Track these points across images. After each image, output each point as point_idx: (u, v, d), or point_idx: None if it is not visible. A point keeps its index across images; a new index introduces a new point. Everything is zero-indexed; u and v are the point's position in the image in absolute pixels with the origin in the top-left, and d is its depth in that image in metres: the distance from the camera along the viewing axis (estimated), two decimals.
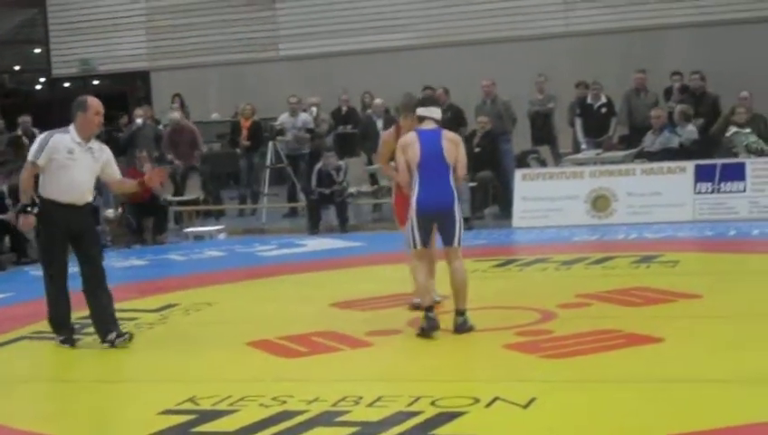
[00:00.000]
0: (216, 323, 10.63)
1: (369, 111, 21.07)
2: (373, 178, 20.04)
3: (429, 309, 9.33)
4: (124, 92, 29.37)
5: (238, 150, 21.57)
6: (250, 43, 27.54)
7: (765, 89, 19.67)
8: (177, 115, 20.83)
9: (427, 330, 9.23)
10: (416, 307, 9.91)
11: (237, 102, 23.40)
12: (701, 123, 18.20)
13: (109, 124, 22.12)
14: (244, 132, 21.23)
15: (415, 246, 9.47)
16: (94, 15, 28.88)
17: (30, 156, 9.42)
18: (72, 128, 9.47)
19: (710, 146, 17.87)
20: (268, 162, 20.69)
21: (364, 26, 26.55)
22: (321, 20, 26.87)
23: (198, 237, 18.06)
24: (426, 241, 9.49)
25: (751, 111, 17.71)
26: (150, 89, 28.80)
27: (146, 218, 17.88)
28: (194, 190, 20.31)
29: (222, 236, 18.18)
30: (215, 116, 26.30)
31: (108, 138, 20.46)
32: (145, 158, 17.96)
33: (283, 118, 20.83)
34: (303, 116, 20.80)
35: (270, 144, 20.60)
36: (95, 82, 30.11)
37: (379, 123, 20.24)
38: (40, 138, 9.53)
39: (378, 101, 20.58)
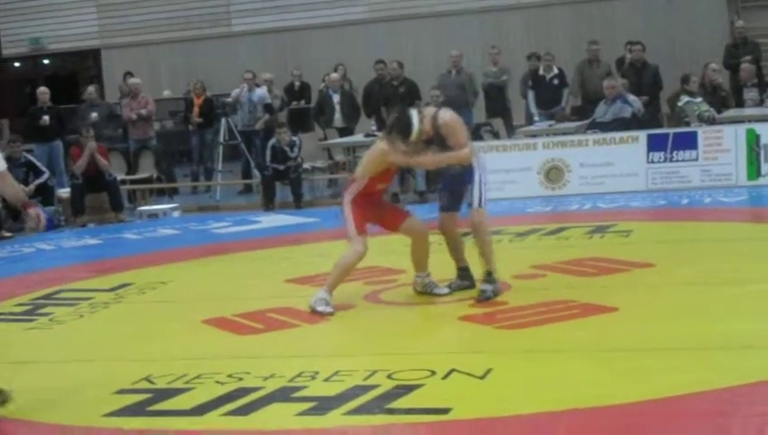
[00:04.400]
0: (171, 301, 10.58)
1: (323, 84, 21.02)
2: (328, 153, 20.01)
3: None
4: (75, 72, 29.14)
5: (191, 127, 21.46)
6: (202, 19, 27.36)
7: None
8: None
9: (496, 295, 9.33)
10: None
11: (190, 79, 23.29)
12: (645, 99, 18.31)
13: (61, 103, 22.04)
14: (196, 109, 21.13)
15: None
16: None
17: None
18: None
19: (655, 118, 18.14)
20: (221, 139, 20.63)
21: (317, 0, 26.44)
22: None
23: (152, 216, 17.97)
24: None
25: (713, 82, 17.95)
26: (101, 67, 28.57)
27: (94, 195, 17.79)
28: (147, 168, 20.20)
29: (176, 214, 18.09)
30: (167, 93, 26.16)
31: (60, 116, 20.43)
32: (90, 137, 17.80)
33: (237, 93, 20.71)
34: (259, 91, 20.71)
35: (223, 120, 20.53)
36: (45, 62, 29.87)
37: (336, 98, 20.22)
38: None
39: (334, 75, 20.53)
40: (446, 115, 9.33)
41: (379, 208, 9.77)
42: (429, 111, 9.51)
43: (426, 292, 9.80)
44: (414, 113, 9.19)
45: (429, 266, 9.84)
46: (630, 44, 19.65)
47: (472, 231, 9.59)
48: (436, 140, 9.32)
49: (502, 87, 20.22)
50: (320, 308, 9.29)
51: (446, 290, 9.79)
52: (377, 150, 9.52)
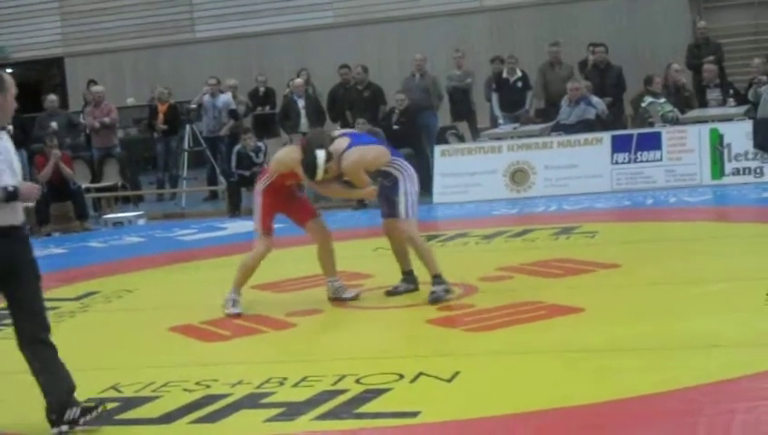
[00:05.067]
0: (138, 309, 10.55)
1: (287, 90, 20.99)
2: None
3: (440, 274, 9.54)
4: (39, 80, 28.99)
5: (155, 135, 21.38)
6: (166, 25, 27.28)
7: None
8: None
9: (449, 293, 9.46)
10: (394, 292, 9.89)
11: (154, 86, 23.21)
12: (609, 101, 18.40)
13: (25, 112, 21.91)
14: (161, 116, 21.06)
15: (415, 216, 9.67)
16: (6, 2, 28.41)
17: None
18: None
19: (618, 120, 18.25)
20: (186, 146, 20.57)
21: (282, 6, 26.36)
22: (237, 0, 26.64)
23: (117, 224, 17.91)
24: None
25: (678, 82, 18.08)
26: (65, 75, 28.43)
27: (59, 204, 17.71)
28: (111, 176, 20.12)
29: (141, 221, 18.03)
30: (130, 101, 26.07)
31: (24, 125, 20.30)
32: (54, 146, 17.72)
33: (201, 99, 20.66)
34: (224, 97, 20.66)
35: (187, 127, 20.48)
36: (9, 71, 29.60)
37: (300, 103, 20.19)
38: None
39: (298, 80, 20.51)
40: (350, 158, 9.48)
41: (290, 201, 9.92)
42: (338, 147, 9.53)
43: (336, 296, 9.89)
44: (321, 155, 9.26)
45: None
46: (593, 46, 19.74)
47: (406, 241, 9.74)
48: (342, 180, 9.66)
49: (466, 90, 20.25)
50: (228, 310, 9.56)
51: (353, 293, 9.92)
52: (287, 160, 9.65)
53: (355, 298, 9.85)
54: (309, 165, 9.30)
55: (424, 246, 9.79)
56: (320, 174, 9.29)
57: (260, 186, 9.75)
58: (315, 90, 21.00)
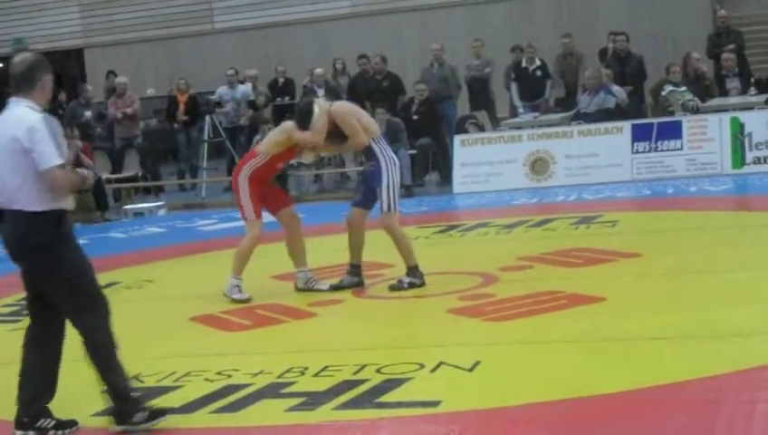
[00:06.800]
0: (159, 299, 10.58)
1: (306, 80, 21.00)
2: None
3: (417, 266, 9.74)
4: (59, 71, 29.01)
5: (176, 125, 21.42)
6: (185, 16, 27.29)
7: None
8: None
9: (421, 285, 9.65)
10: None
11: (173, 77, 23.23)
12: (629, 89, 18.34)
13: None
14: (182, 107, 21.10)
15: (396, 209, 9.77)
16: None
17: (57, 158, 6.19)
18: (27, 102, 6.27)
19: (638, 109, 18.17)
20: (206, 136, 20.59)
21: None
22: None
23: (138, 214, 17.94)
24: None
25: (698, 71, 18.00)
26: (84, 67, 28.49)
27: (80, 195, 17.74)
28: (132, 167, 20.16)
29: (162, 212, 18.07)
30: (150, 92, 26.09)
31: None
32: (75, 136, 17.77)
33: (222, 90, 20.72)
34: (242, 88, 20.69)
35: (207, 118, 20.50)
36: None
37: (320, 92, 20.20)
38: (45, 129, 6.16)
39: (318, 70, 20.51)
40: (338, 105, 9.95)
41: (267, 188, 10.10)
42: (325, 104, 9.93)
43: (307, 288, 10.01)
44: (317, 107, 9.68)
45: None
46: (614, 35, 19.67)
47: (388, 234, 9.89)
48: (336, 132, 9.78)
49: (485, 80, 20.20)
50: (235, 296, 9.74)
51: (326, 286, 10.02)
52: (279, 130, 10.04)
53: (329, 290, 9.96)
54: (304, 113, 9.67)
55: (404, 239, 9.89)
56: (314, 121, 9.57)
57: (245, 172, 9.90)
58: (350, 77, 20.95)
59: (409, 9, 25.41)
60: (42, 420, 6.45)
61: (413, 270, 9.73)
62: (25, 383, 6.51)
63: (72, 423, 6.55)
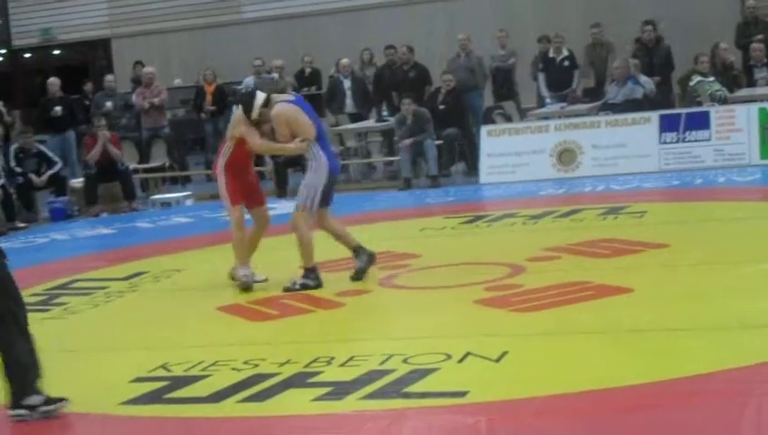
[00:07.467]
0: (186, 289, 10.61)
1: (333, 70, 21.01)
2: (340, 139, 20.01)
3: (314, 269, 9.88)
4: (86, 61, 29.12)
5: (203, 116, 21.45)
6: (212, 6, 27.31)
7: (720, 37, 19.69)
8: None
9: (315, 286, 9.75)
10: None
11: (200, 67, 23.27)
12: (657, 80, 18.27)
13: (72, 93, 22.05)
14: (209, 97, 21.14)
15: (312, 211, 9.81)
16: None
17: None
18: None
19: (666, 99, 18.08)
20: None
21: None
22: None
23: (165, 204, 18.00)
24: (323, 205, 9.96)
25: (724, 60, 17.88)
26: (111, 57, 28.55)
27: (107, 185, 17.85)
28: (159, 157, 20.22)
29: (189, 202, 18.11)
30: (178, 82, 26.13)
31: (72, 107, 20.45)
32: (103, 126, 17.84)
33: (249, 80, 20.74)
34: (269, 78, 20.70)
35: (234, 108, 20.50)
36: (56, 53, 29.84)
37: (346, 83, 20.24)
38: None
39: (344, 61, 20.51)
40: (278, 108, 9.87)
41: (247, 182, 10.34)
42: (278, 99, 10.01)
43: (251, 282, 10.13)
44: (260, 95, 9.83)
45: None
46: (646, 24, 19.59)
47: (291, 230, 10.02)
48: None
49: (509, 70, 20.15)
50: (252, 281, 10.00)
51: (263, 278, 10.21)
52: (235, 120, 10.18)
53: (265, 280, 10.20)
54: (246, 101, 9.84)
55: (308, 240, 9.91)
56: (255, 113, 9.75)
57: (222, 160, 10.16)
58: (377, 67, 20.93)
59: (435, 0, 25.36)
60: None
61: (309, 272, 9.84)
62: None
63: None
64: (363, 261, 10.03)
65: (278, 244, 11.05)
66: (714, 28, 21.73)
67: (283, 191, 17.88)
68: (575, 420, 5.88)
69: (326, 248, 10.61)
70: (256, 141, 9.97)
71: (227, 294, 9.92)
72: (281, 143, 9.93)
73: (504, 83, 20.13)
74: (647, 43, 19.00)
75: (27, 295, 10.66)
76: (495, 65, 20.09)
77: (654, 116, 16.75)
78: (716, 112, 16.53)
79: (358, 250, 10.08)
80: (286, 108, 9.87)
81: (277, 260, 10.85)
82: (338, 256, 10.55)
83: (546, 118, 18.09)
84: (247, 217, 10.34)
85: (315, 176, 9.81)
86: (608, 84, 18.46)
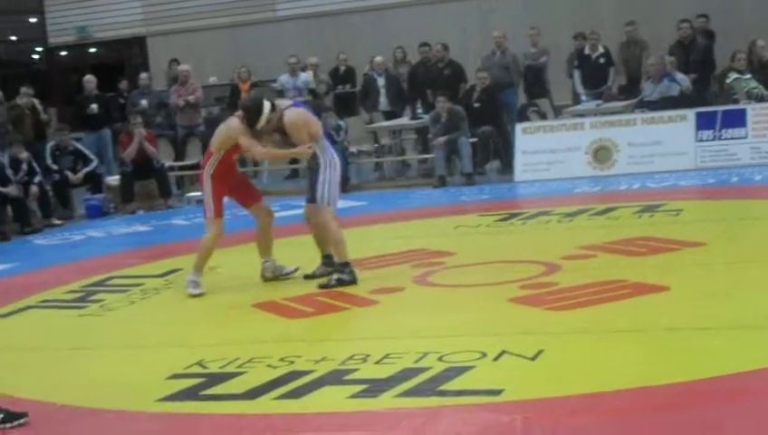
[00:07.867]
0: (222, 286, 10.62)
1: (367, 68, 21.02)
2: (374, 137, 20.01)
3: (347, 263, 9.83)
4: (121, 59, 29.26)
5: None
6: (246, 4, 27.36)
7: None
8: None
9: (350, 282, 9.73)
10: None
11: (235, 65, 23.31)
12: (693, 77, 18.17)
13: (108, 91, 22.14)
14: (243, 95, 21.17)
15: (335, 204, 9.93)
16: None
17: None
18: None
19: (702, 97, 17.96)
20: None
21: None
22: None
23: (200, 202, 17.98)
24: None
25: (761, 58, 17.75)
26: (147, 55, 28.66)
27: (143, 182, 17.93)
28: (195, 155, 20.26)
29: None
30: (213, 80, 26.19)
31: (108, 104, 20.53)
32: (138, 124, 17.92)
33: (283, 78, 20.78)
34: (303, 76, 20.74)
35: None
36: (92, 51, 30.00)
37: (380, 81, 20.24)
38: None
39: (378, 58, 20.51)
40: (292, 114, 9.87)
41: (236, 182, 10.40)
42: (283, 105, 10.07)
43: (276, 276, 10.33)
44: (267, 104, 9.78)
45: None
46: (701, 16, 19.51)
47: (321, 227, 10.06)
48: (281, 133, 9.97)
49: (540, 68, 20.08)
50: (191, 291, 10.01)
51: (293, 269, 10.34)
52: (224, 128, 10.13)
53: (295, 272, 10.32)
54: (253, 110, 9.76)
55: (337, 233, 9.93)
56: (262, 121, 9.72)
57: (208, 171, 10.13)
58: (410, 65, 20.93)
59: None
60: None
61: (343, 266, 9.83)
62: None
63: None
64: (323, 271, 10.16)
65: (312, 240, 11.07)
66: (750, 25, 21.61)
67: None
68: (611, 419, 5.86)
69: (358, 247, 10.64)
70: (260, 150, 10.06)
71: (263, 290, 9.95)
72: (288, 149, 10.08)
73: (536, 82, 20.07)
74: (682, 41, 18.90)
75: (63, 292, 10.82)
76: (527, 63, 20.04)
77: (690, 114, 16.66)
78: (753, 110, 16.43)
79: (329, 259, 10.15)
80: (297, 112, 9.96)
81: (309, 258, 10.87)
82: (369, 253, 10.55)
83: (581, 115, 18.02)
84: (246, 216, 10.42)
85: (329, 170, 9.89)
86: (643, 82, 18.37)
